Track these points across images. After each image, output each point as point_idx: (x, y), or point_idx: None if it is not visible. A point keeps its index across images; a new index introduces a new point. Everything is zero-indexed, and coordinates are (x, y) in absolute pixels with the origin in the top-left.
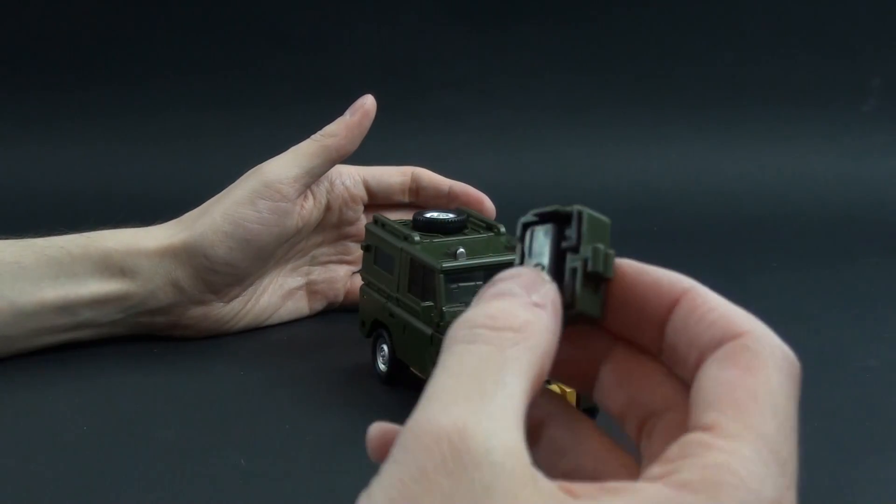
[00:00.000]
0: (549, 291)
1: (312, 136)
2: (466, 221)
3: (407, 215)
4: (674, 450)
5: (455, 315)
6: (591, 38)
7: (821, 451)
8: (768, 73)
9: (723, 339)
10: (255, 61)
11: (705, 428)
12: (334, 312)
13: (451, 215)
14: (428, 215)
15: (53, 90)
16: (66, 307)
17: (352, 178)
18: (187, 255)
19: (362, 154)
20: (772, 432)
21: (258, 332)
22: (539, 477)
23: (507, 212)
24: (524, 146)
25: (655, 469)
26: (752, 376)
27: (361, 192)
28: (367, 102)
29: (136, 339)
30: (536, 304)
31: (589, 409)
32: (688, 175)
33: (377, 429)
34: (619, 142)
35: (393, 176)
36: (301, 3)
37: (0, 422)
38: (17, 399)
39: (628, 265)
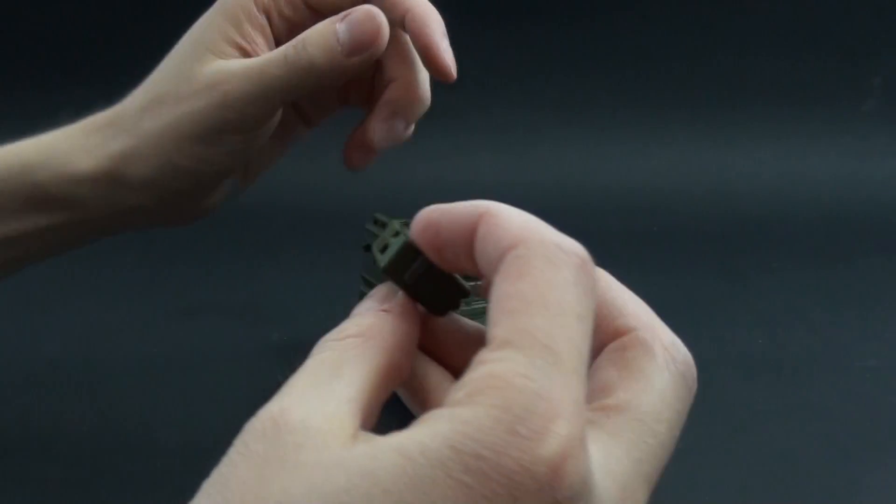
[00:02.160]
0: (399, 299)
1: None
2: None
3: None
4: (467, 373)
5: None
6: (592, 38)
7: (821, 451)
8: (768, 73)
9: (503, 254)
10: None
11: (485, 345)
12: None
13: None
14: None
15: (53, 91)
16: (6, 242)
17: None
18: (130, 183)
19: None
20: (541, 326)
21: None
22: (362, 435)
23: None
24: (524, 146)
25: (452, 394)
26: (522, 282)
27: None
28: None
29: (138, 342)
30: (385, 311)
31: None
32: (688, 175)
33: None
34: (619, 142)
35: None
36: None
37: (0, 422)
38: (17, 399)
39: (432, 210)
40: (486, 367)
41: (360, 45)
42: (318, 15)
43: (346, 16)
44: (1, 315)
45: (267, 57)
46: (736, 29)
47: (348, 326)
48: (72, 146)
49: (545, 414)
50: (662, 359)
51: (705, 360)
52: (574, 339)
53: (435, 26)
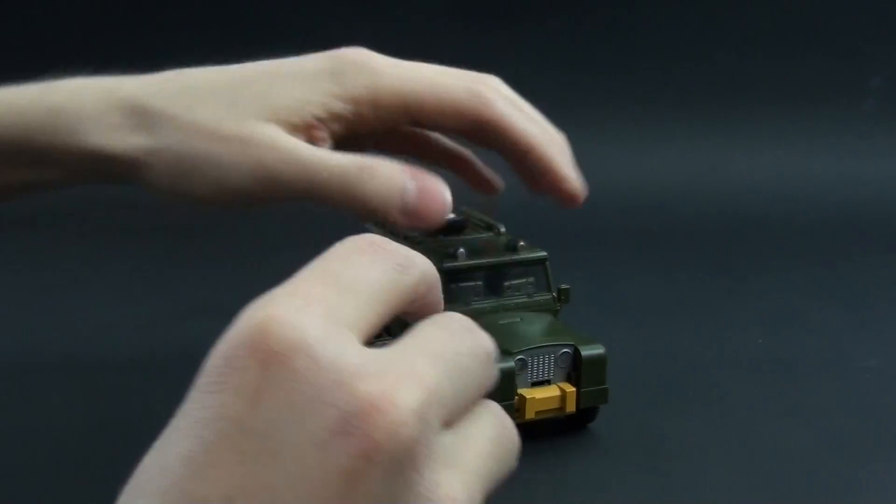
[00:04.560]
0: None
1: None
2: (467, 221)
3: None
4: None
5: None
6: (591, 38)
7: (821, 451)
8: (768, 73)
9: None
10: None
11: None
12: None
13: (451, 215)
14: None
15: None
16: None
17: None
18: (142, 176)
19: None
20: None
21: None
22: None
23: (508, 212)
24: None
25: None
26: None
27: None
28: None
29: (139, 338)
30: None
31: (587, 409)
32: (688, 175)
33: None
34: (619, 142)
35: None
36: (301, 2)
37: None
38: (16, 398)
39: None
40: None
41: (418, 216)
42: (407, 119)
43: (418, 177)
44: (0, 315)
45: (322, 157)
46: (736, 29)
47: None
48: (86, 117)
49: (266, 301)
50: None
51: (705, 360)
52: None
53: (560, 157)
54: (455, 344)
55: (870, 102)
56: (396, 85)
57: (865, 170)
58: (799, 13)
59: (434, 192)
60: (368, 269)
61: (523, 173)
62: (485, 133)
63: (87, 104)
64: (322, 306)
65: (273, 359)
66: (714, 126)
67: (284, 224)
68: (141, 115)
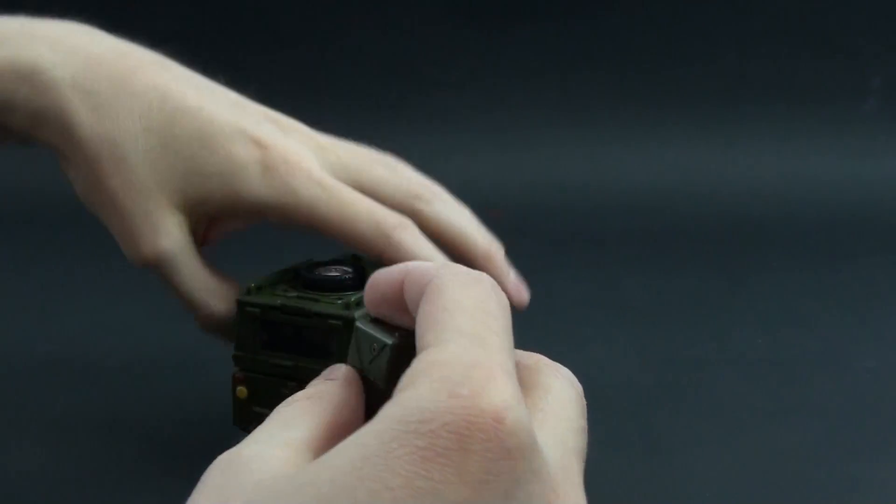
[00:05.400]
0: (342, 371)
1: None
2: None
3: None
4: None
5: None
6: (591, 38)
7: (821, 451)
8: (768, 73)
9: (423, 289)
10: (253, 61)
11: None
12: None
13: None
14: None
15: None
16: None
17: None
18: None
19: None
20: (464, 323)
21: None
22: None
23: (507, 212)
24: (524, 146)
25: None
26: (440, 298)
27: None
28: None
29: (138, 337)
30: (329, 379)
31: None
32: (688, 175)
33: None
34: (619, 142)
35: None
36: (300, 2)
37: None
38: (16, 398)
39: (374, 278)
40: (421, 357)
41: None
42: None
43: None
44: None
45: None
46: (736, 29)
47: (297, 394)
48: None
49: (481, 377)
50: (551, 370)
51: (705, 360)
52: (494, 328)
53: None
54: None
55: (870, 103)
56: (306, 204)
57: (865, 170)
58: (799, 13)
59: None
60: (500, 313)
61: None
62: None
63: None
64: (516, 387)
65: (504, 455)
66: (714, 126)
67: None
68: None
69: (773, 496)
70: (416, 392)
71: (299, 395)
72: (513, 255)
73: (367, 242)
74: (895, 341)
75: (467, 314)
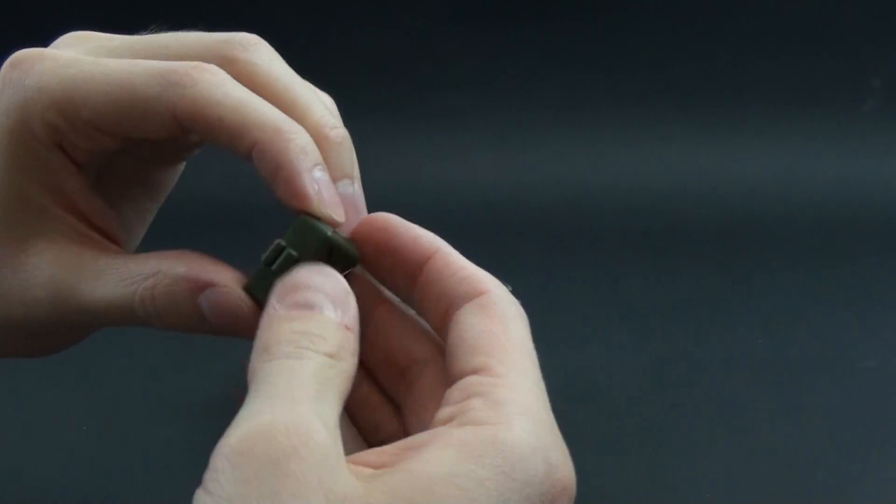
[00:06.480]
0: (353, 311)
1: None
2: None
3: None
4: (454, 393)
5: None
6: (591, 38)
7: (821, 451)
8: (768, 73)
9: (471, 294)
10: None
11: (477, 371)
12: None
13: None
14: None
15: None
16: None
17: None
18: None
19: (360, 155)
20: (531, 368)
21: None
22: (344, 466)
23: (507, 211)
24: (524, 146)
25: (445, 410)
26: (503, 325)
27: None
28: None
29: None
30: (347, 328)
31: None
32: (688, 175)
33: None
34: (619, 142)
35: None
36: (300, 2)
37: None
38: (15, 398)
39: (388, 219)
40: (501, 392)
41: (224, 328)
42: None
43: (207, 288)
44: None
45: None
46: (736, 29)
47: (320, 337)
48: None
49: (558, 483)
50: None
51: (705, 360)
52: (535, 374)
53: (297, 155)
54: None
55: (870, 103)
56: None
57: (865, 170)
58: (799, 13)
59: (224, 304)
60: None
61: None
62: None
63: None
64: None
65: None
66: (714, 126)
67: (283, 225)
68: None
69: (773, 496)
70: (489, 434)
71: (321, 341)
72: (513, 254)
73: (153, 103)
74: (895, 341)
75: (531, 356)
